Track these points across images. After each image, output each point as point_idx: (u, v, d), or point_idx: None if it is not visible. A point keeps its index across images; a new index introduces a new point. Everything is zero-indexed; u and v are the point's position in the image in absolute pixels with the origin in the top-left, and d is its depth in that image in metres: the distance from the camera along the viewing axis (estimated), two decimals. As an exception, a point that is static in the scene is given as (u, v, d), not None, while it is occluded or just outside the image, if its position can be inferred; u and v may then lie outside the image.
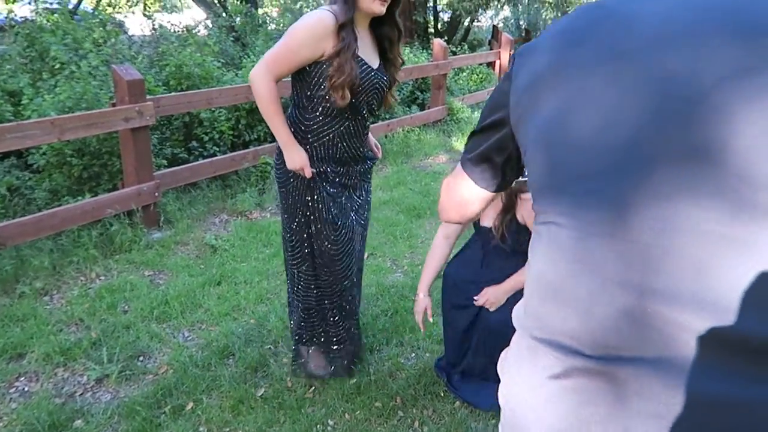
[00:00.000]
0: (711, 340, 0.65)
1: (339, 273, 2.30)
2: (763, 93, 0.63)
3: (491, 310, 2.23)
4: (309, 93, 2.08)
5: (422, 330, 2.39)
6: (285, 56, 2.01)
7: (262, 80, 2.02)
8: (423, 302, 2.32)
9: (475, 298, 2.25)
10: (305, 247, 2.26)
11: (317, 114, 2.11)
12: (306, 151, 2.14)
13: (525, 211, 2.16)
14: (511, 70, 0.88)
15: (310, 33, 1.98)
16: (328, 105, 2.07)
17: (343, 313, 2.39)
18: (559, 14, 12.15)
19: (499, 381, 0.94)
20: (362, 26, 2.12)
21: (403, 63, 2.33)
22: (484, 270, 2.30)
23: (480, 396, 2.33)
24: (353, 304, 2.43)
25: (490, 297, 2.22)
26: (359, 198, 2.36)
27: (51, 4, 6.81)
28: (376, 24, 2.16)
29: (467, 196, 1.04)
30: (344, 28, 1.98)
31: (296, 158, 2.10)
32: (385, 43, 2.18)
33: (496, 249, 2.25)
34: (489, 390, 2.15)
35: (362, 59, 2.07)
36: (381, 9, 2.03)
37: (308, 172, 2.11)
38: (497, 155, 0.95)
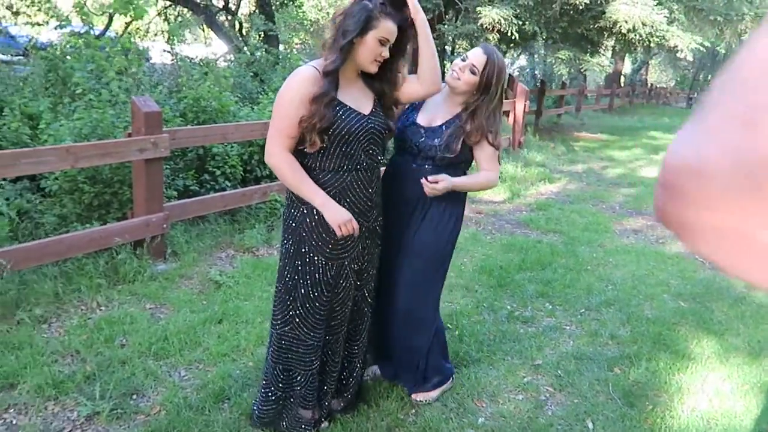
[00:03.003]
0: None
1: (320, 336, 2.23)
2: None
3: (432, 190, 2.24)
4: (303, 149, 2.04)
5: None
6: (284, 124, 1.99)
7: (277, 157, 2.02)
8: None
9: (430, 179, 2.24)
10: (289, 310, 2.19)
11: (315, 171, 2.06)
12: (303, 212, 2.09)
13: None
14: None
15: (294, 93, 1.97)
16: (325, 159, 2.04)
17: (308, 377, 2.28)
18: (571, 71, 12.29)
19: None
20: (350, 75, 2.09)
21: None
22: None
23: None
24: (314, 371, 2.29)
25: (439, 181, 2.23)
26: (366, 260, 2.28)
27: (76, 29, 6.96)
28: (368, 76, 2.14)
29: None
30: (327, 76, 1.96)
31: (340, 216, 2.05)
32: (380, 93, 2.16)
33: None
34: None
35: (347, 105, 2.03)
36: (374, 69, 2.05)
37: (355, 228, 2.08)
38: None
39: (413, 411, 2.58)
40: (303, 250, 2.13)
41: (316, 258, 2.14)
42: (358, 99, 2.10)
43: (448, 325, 3.35)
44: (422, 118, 2.37)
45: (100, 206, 4.01)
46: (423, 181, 2.25)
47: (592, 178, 8.41)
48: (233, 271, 3.94)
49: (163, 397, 2.57)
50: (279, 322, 2.22)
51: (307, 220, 2.09)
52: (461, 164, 2.42)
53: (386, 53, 2.02)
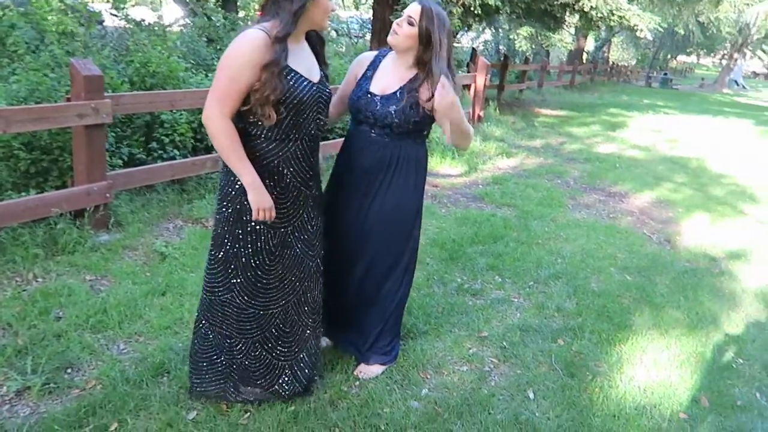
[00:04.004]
0: None
1: (261, 304, 2.19)
2: None
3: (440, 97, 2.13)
4: (251, 118, 1.97)
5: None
6: (229, 88, 1.89)
7: (216, 122, 1.90)
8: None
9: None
10: (231, 278, 2.14)
11: (260, 141, 2.00)
12: None
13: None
14: None
15: (242, 59, 1.87)
16: (272, 128, 1.98)
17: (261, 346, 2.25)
18: (533, 46, 12.32)
19: None
20: (298, 40, 2.02)
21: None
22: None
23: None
24: (273, 337, 2.27)
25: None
26: (311, 228, 2.25)
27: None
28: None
29: None
30: (279, 42, 1.88)
31: (263, 201, 1.99)
32: (316, 54, 2.13)
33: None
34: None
35: (299, 73, 1.98)
36: (327, 24, 2.03)
37: (271, 216, 2.03)
38: None
39: (357, 383, 2.57)
40: (244, 218, 2.07)
41: (258, 227, 2.08)
42: (308, 64, 2.05)
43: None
44: (376, 87, 2.32)
45: (37, 173, 3.83)
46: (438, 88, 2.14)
47: (550, 153, 8.49)
48: (180, 242, 3.83)
49: (99, 371, 2.50)
50: (220, 289, 2.16)
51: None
52: (422, 130, 2.39)
53: (334, 5, 1.98)
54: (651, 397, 2.71)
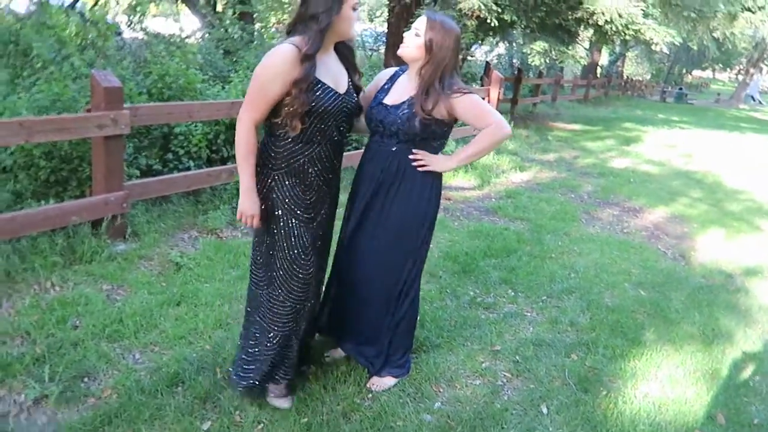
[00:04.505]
0: None
1: (298, 298, 2.31)
2: None
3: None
4: (279, 121, 2.11)
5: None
6: (258, 98, 2.08)
7: (243, 125, 2.10)
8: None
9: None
10: (269, 271, 2.30)
11: (288, 141, 2.15)
12: (276, 179, 2.19)
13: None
14: None
15: (274, 70, 2.03)
16: (299, 132, 2.12)
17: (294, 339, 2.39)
18: (546, 60, 12.30)
19: None
20: (327, 51, 2.17)
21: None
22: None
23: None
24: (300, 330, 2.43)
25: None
26: (329, 236, 2.46)
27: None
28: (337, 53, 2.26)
29: None
30: (307, 60, 2.03)
31: (249, 208, 2.16)
32: (347, 65, 2.29)
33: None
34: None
35: (327, 85, 2.12)
36: (356, 32, 2.19)
37: (256, 223, 2.18)
38: None
39: (370, 396, 2.58)
40: (277, 213, 2.22)
41: (291, 222, 2.23)
42: (335, 74, 2.21)
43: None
44: (389, 99, 2.40)
45: (57, 183, 3.90)
46: (418, 163, 2.37)
47: (563, 167, 8.47)
48: (195, 252, 3.87)
49: (115, 380, 2.52)
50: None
51: (279, 186, 2.19)
52: (433, 141, 2.41)
53: (358, 14, 2.15)
54: (666, 414, 2.68)
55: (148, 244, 3.84)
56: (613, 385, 2.87)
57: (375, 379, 2.64)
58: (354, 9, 2.12)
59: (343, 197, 2.54)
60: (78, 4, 10.11)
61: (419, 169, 2.37)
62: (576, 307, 3.68)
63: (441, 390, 2.69)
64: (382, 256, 2.48)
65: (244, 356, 2.39)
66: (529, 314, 3.55)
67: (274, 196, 2.19)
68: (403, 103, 2.33)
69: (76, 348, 2.70)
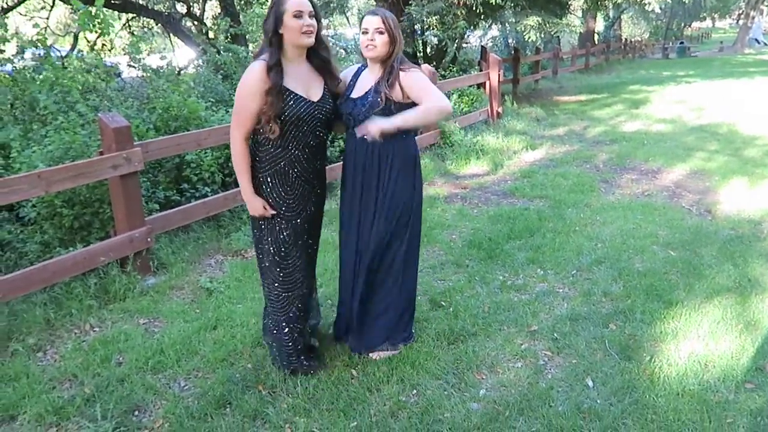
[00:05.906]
0: None
1: (285, 287, 2.61)
2: None
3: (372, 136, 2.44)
4: (260, 128, 2.38)
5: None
6: (242, 114, 2.36)
7: (237, 144, 2.42)
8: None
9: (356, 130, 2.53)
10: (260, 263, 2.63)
11: (269, 146, 2.42)
12: (262, 179, 2.47)
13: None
14: None
15: (249, 88, 2.32)
16: (277, 138, 2.37)
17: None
18: (542, 35, 12.20)
19: None
20: (297, 62, 2.41)
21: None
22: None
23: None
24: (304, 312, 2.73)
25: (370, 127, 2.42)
26: (317, 229, 2.70)
27: (37, 52, 6.82)
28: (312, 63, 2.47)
29: None
30: (271, 70, 2.28)
31: (256, 205, 2.47)
32: (322, 70, 2.48)
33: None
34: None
35: (297, 94, 2.34)
36: (310, 40, 2.34)
37: (269, 213, 2.49)
38: None
39: (414, 392, 2.60)
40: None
41: (274, 218, 2.51)
42: (307, 84, 2.43)
43: (442, 302, 3.36)
44: (355, 92, 2.59)
45: (81, 228, 3.98)
46: (360, 132, 2.50)
47: (575, 139, 8.41)
48: (223, 276, 3.93)
49: (164, 409, 2.57)
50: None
51: (264, 186, 2.47)
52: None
53: (309, 21, 2.31)
54: (713, 371, 2.66)
55: (177, 274, 3.90)
56: (656, 349, 2.85)
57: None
58: (298, 17, 2.29)
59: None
60: (74, 51, 10.29)
61: (366, 137, 2.48)
62: (607, 276, 3.66)
63: (484, 377, 2.70)
64: (376, 242, 2.65)
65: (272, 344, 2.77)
66: (561, 290, 3.53)
67: (260, 194, 2.48)
68: (368, 92, 2.52)
69: (123, 384, 2.76)
